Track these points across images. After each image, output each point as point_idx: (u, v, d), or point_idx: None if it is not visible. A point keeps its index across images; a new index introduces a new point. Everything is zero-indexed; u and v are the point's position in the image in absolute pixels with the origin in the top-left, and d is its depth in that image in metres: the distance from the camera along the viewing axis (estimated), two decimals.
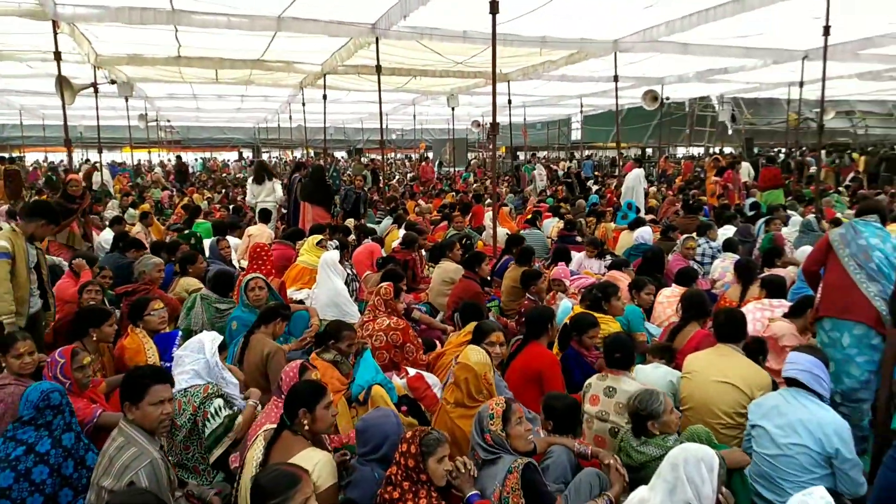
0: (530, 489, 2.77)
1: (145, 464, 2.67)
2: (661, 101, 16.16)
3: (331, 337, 4.05)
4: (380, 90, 11.23)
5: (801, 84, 12.57)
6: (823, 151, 18.83)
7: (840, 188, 14.83)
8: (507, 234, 8.52)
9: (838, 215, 9.42)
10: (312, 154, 28.53)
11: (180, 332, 4.54)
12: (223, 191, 18.45)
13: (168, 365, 3.79)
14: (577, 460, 3.26)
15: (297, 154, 28.68)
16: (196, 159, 36.77)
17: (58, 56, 8.77)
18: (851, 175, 16.30)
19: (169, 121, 27.25)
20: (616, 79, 12.28)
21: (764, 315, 5.02)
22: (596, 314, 4.64)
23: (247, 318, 4.84)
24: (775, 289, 5.31)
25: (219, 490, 3.23)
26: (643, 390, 3.18)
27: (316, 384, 3.10)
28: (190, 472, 3.42)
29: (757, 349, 4.17)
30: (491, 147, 8.62)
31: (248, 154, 36.21)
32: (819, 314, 4.21)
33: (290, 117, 20.48)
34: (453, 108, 18.49)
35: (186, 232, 8.70)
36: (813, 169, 15.48)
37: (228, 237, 8.15)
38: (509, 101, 16.08)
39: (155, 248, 7.09)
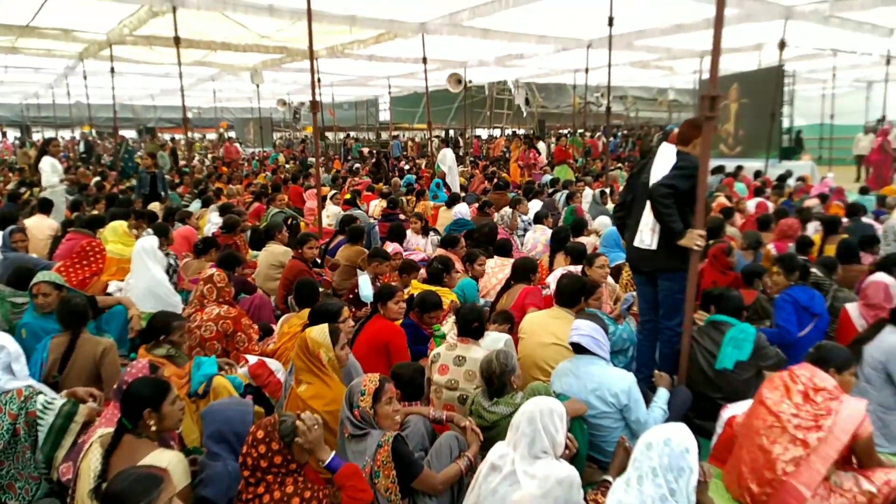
0: (400, 461, 2.82)
1: None
2: (464, 85, 16.86)
3: (160, 331, 3.71)
4: (180, 64, 10.43)
5: (587, 70, 13.78)
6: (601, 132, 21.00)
7: (619, 165, 16.71)
8: (340, 212, 8.42)
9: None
10: (95, 134, 25.68)
11: None
12: None
13: None
14: (432, 427, 3.38)
15: (75, 134, 25.62)
16: None
17: None
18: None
19: None
20: (425, 60, 12.54)
21: None
22: (434, 287, 4.80)
23: (40, 324, 4.19)
24: (577, 255, 5.81)
25: None
26: (497, 352, 3.36)
27: (157, 380, 2.86)
28: (4, 491, 2.99)
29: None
30: (312, 127, 8.41)
31: (14, 134, 31.36)
32: None
33: (69, 92, 18.18)
34: (258, 86, 17.68)
35: None
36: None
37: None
38: (318, 80, 15.69)
39: None
